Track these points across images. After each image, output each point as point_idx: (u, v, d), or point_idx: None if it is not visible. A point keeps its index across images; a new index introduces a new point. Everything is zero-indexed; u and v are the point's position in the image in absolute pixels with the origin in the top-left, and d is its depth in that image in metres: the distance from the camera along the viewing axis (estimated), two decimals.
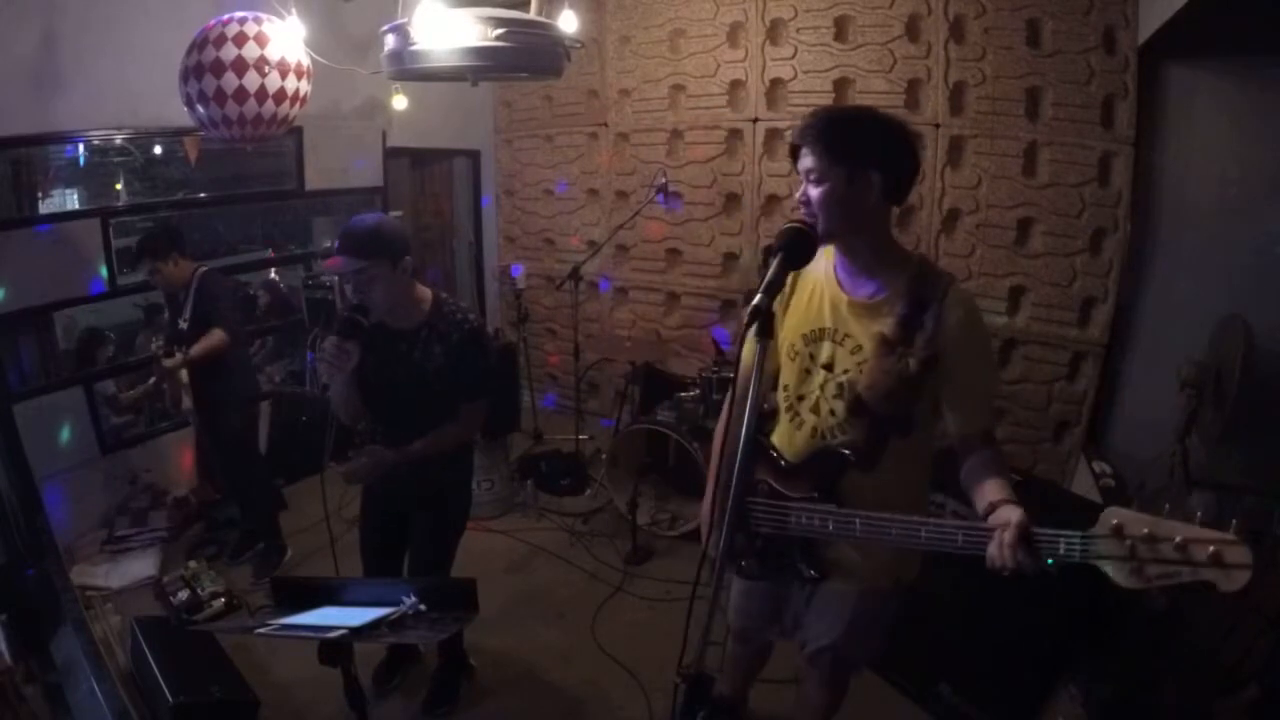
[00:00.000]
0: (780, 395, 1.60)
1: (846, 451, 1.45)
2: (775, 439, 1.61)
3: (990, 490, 1.31)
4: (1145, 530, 1.07)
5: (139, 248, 2.91)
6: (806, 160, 1.38)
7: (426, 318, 1.99)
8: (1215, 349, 2.61)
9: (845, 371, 1.46)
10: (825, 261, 1.51)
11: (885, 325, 1.40)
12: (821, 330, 1.49)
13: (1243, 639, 2.03)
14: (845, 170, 1.34)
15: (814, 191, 1.37)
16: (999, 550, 1.18)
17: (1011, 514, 1.20)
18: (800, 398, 1.53)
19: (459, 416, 2.04)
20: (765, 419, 1.68)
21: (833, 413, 1.48)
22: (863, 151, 1.35)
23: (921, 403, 1.42)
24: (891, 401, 1.39)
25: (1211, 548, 1.02)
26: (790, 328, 1.55)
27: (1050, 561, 1.17)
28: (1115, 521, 1.10)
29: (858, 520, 1.38)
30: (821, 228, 1.37)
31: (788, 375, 1.57)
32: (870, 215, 1.39)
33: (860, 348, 1.44)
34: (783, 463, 1.54)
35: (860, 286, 1.45)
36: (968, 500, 1.39)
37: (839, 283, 1.48)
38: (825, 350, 1.49)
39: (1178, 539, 1.05)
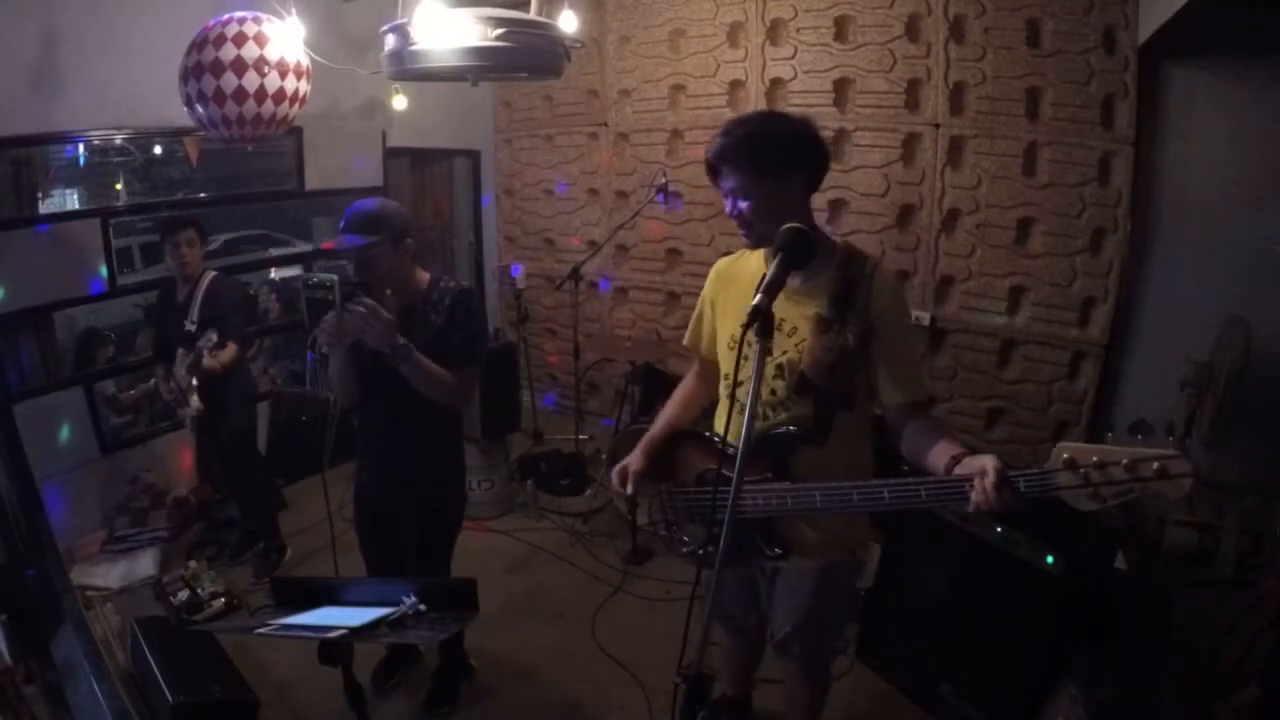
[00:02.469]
0: (721, 385, 1.70)
1: (793, 428, 1.52)
2: (719, 427, 1.71)
3: (947, 447, 1.36)
4: (1095, 458, 1.15)
5: (182, 217, 3.00)
6: (729, 180, 1.48)
7: (424, 293, 2.03)
8: (1216, 349, 2.61)
9: (784, 353, 1.53)
10: (756, 256, 1.64)
11: (820, 306, 1.49)
12: None
13: (1243, 639, 2.04)
14: (770, 179, 1.45)
15: (744, 205, 1.48)
16: (984, 495, 1.21)
17: (985, 460, 1.24)
18: (740, 384, 1.59)
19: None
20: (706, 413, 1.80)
21: (773, 393, 1.55)
22: (783, 159, 1.45)
23: (860, 376, 1.51)
24: (834, 376, 1.47)
25: (1156, 464, 1.11)
26: (727, 321, 1.66)
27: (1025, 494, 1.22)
28: (1066, 455, 1.17)
29: (818, 493, 1.44)
30: (757, 235, 1.50)
31: (727, 365, 1.65)
32: (799, 211, 1.46)
33: (796, 329, 1.51)
34: (729, 449, 1.61)
35: (793, 275, 1.51)
36: (915, 468, 1.44)
37: None
38: None
39: (1125, 461, 1.12)
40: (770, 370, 1.54)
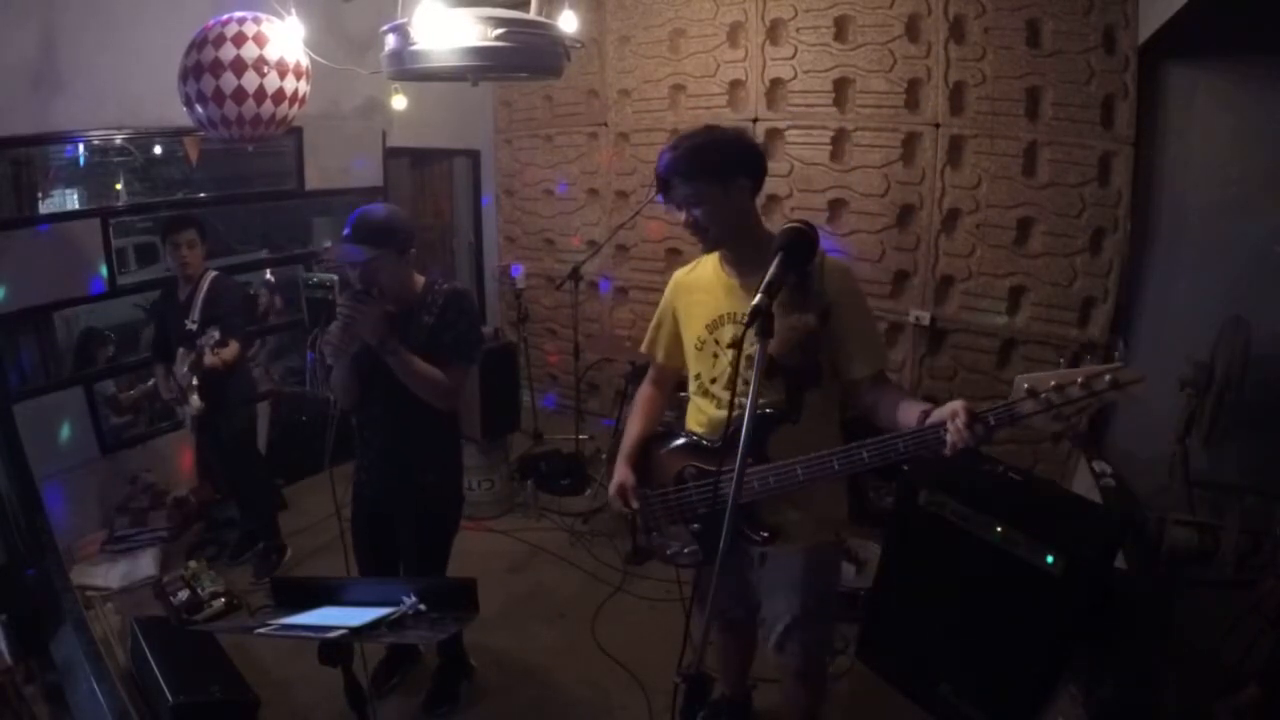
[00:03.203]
0: (693, 385, 1.78)
1: (770, 410, 1.57)
2: (692, 424, 1.78)
3: (916, 404, 1.47)
4: (1053, 383, 1.24)
5: (183, 217, 3.00)
6: (681, 190, 1.58)
7: (419, 296, 2.05)
8: (1217, 349, 2.61)
9: (752, 344, 1.57)
10: (711, 260, 1.74)
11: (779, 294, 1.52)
12: (721, 316, 1.68)
13: (1243, 639, 2.04)
14: (720, 185, 1.56)
15: (698, 212, 1.58)
16: (959, 434, 1.31)
17: (954, 404, 1.34)
18: (713, 380, 1.71)
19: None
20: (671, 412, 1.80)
21: (746, 382, 1.59)
22: (728, 164, 1.57)
23: (824, 355, 1.60)
24: (801, 354, 1.56)
25: (1108, 377, 1.21)
26: (692, 325, 1.75)
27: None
28: (1026, 386, 1.27)
29: (799, 467, 1.51)
30: (712, 239, 1.62)
31: (698, 365, 1.75)
32: (747, 213, 1.62)
33: None
34: (706, 442, 1.70)
35: (748, 272, 1.63)
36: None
37: (728, 273, 1.69)
38: (728, 332, 1.65)
39: (1080, 379, 1.22)
40: (742, 363, 1.59)
